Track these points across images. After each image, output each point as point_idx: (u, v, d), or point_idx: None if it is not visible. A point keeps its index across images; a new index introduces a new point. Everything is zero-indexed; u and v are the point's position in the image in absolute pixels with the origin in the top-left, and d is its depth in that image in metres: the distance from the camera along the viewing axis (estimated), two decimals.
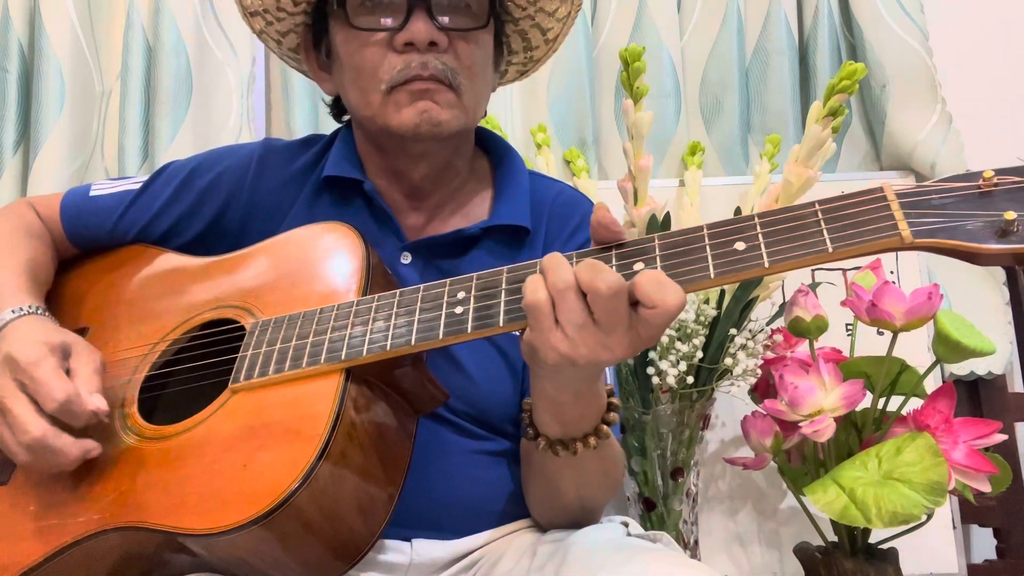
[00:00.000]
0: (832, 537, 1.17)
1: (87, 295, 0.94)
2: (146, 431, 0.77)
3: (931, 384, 1.14)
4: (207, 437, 0.72)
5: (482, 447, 0.87)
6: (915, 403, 1.10)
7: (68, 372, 0.75)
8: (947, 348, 1.03)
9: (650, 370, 1.21)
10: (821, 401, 1.06)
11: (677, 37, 1.60)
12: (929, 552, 1.35)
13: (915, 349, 1.36)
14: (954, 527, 1.39)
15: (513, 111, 1.59)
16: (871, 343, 1.25)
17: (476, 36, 0.88)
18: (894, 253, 0.91)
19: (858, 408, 1.10)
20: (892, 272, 1.47)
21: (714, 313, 1.23)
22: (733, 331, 1.22)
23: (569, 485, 0.81)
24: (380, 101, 0.85)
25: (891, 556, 1.12)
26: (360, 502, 0.70)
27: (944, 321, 1.02)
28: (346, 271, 0.79)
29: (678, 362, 1.20)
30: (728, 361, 1.21)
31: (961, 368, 1.46)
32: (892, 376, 1.13)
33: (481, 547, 0.85)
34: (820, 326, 1.13)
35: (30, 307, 0.82)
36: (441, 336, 0.69)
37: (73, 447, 0.72)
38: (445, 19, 0.85)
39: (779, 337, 1.27)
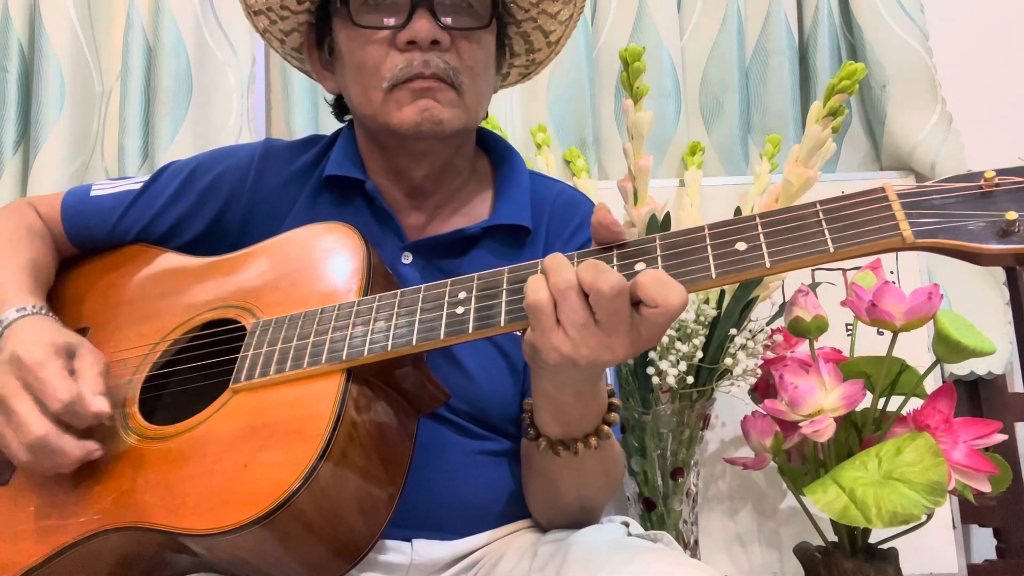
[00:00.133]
0: (832, 537, 1.17)
1: (87, 295, 0.94)
2: (147, 431, 0.77)
3: (931, 384, 1.14)
4: (208, 437, 0.72)
5: (483, 447, 0.87)
6: (915, 403, 1.10)
7: (72, 373, 0.75)
8: (947, 348, 1.03)
9: (650, 370, 1.21)
10: (821, 401, 1.06)
11: (677, 37, 1.60)
12: (929, 552, 1.35)
13: (915, 349, 1.36)
14: (954, 527, 1.39)
15: (513, 111, 1.59)
16: (871, 343, 1.25)
17: (478, 36, 0.88)
18: (894, 253, 0.91)
19: (858, 408, 1.10)
20: (892, 272, 1.47)
21: (714, 313, 1.23)
22: (733, 331, 1.22)
23: (570, 485, 0.81)
24: (382, 99, 0.85)
25: (891, 556, 1.12)
26: (361, 502, 0.70)
27: (944, 321, 1.02)
28: (347, 271, 0.79)
29: (678, 362, 1.20)
30: (728, 361, 1.21)
31: (961, 368, 1.46)
32: (892, 376, 1.13)
33: (482, 547, 0.85)
34: (820, 326, 1.13)
35: (34, 307, 0.82)
36: (442, 336, 0.69)
37: (75, 448, 0.72)
38: (448, 18, 0.85)
39: (779, 337, 1.27)
